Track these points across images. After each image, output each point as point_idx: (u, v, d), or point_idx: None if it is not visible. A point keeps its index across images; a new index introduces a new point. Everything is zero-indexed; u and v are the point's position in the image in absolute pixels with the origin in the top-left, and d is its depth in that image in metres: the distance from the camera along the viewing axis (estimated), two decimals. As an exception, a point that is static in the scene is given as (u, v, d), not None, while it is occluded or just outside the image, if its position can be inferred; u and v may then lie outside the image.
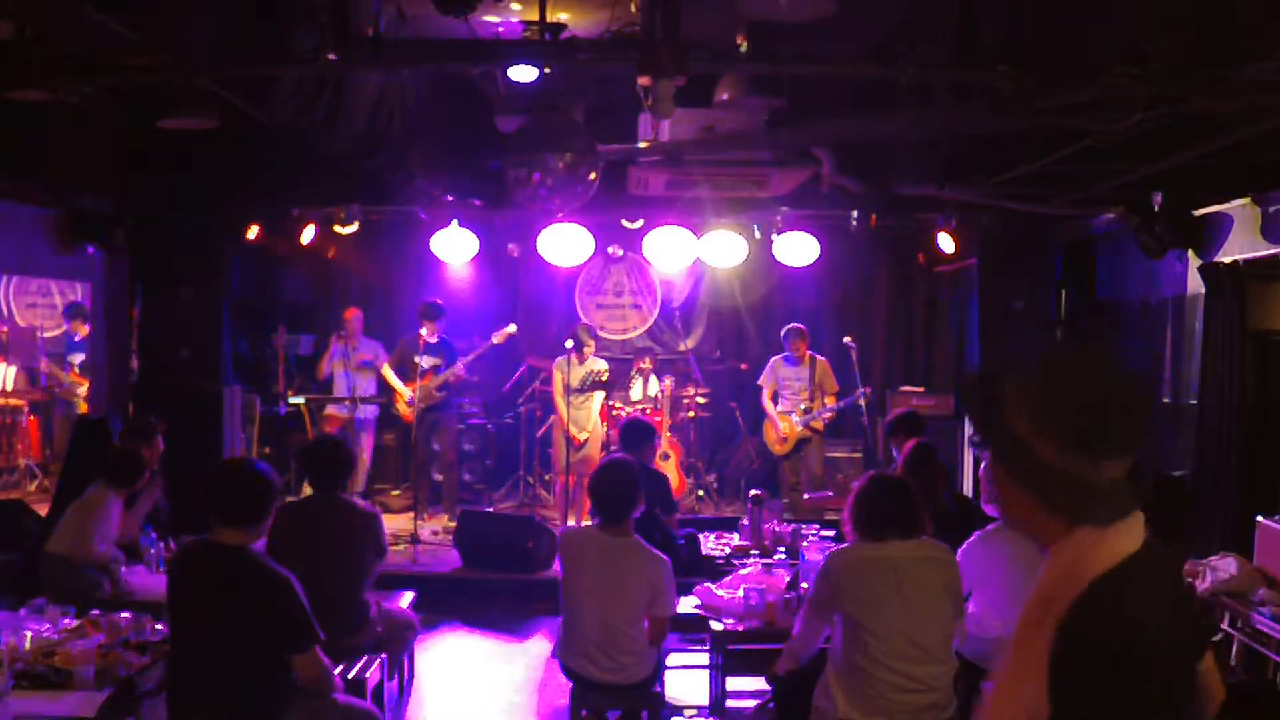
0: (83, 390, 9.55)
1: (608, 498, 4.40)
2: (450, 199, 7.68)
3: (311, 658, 3.40)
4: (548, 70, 4.87)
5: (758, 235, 8.45)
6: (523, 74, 4.67)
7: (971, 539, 4.49)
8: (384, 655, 4.88)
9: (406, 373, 8.76)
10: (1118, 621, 1.58)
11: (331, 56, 4.45)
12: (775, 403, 8.73)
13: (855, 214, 7.87)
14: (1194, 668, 1.77)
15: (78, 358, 9.81)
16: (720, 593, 5.04)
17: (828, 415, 8.59)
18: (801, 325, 8.71)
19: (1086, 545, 1.59)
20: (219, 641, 3.34)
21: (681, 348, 10.02)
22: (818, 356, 8.70)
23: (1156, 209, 6.43)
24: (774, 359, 8.80)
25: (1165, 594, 1.66)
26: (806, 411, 8.55)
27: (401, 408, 8.87)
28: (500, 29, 5.16)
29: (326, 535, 4.57)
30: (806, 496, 8.42)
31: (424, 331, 8.66)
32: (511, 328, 8.94)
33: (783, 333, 8.72)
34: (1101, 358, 1.62)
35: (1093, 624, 1.57)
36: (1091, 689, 1.56)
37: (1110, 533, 1.60)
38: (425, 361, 8.64)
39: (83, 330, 9.73)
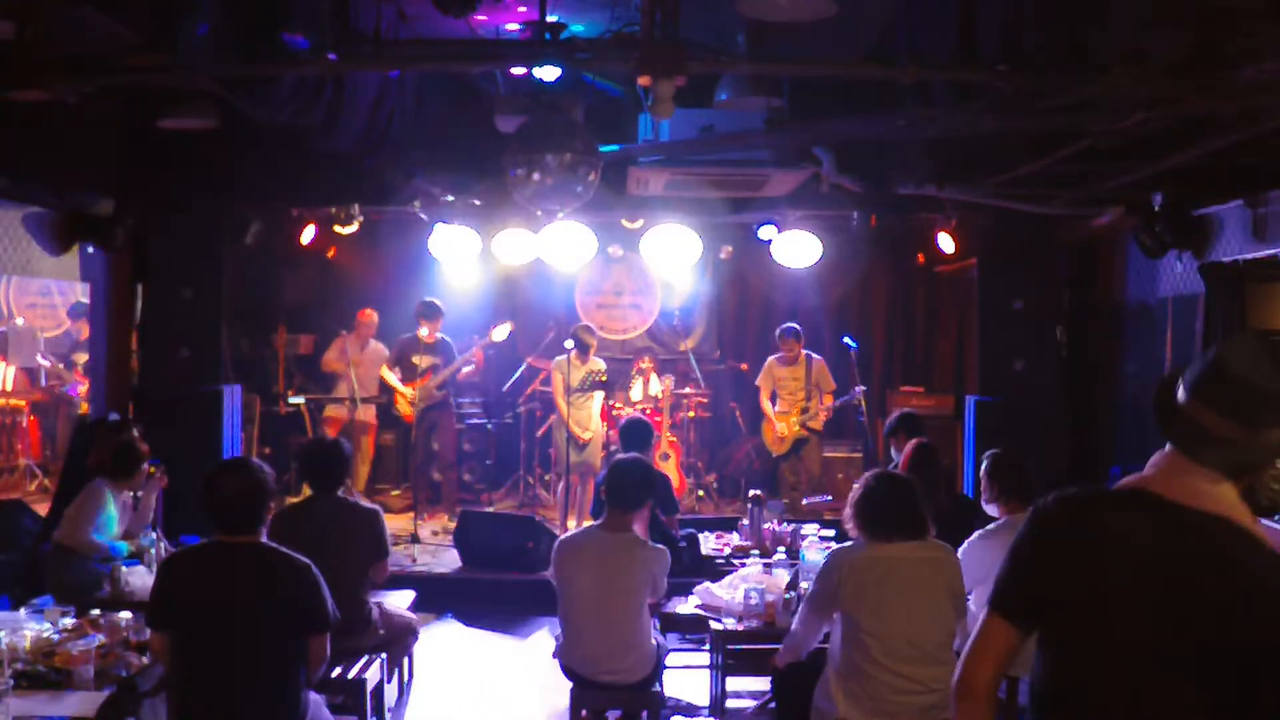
0: (83, 390, 9.56)
1: (624, 486, 4.43)
2: (450, 199, 7.67)
3: (325, 639, 3.51)
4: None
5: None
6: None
7: (972, 538, 4.49)
8: (384, 656, 4.88)
9: (405, 373, 8.76)
10: (1086, 531, 1.92)
11: (331, 56, 4.45)
12: (773, 403, 8.74)
13: (855, 214, 7.87)
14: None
15: (82, 357, 9.80)
16: (720, 593, 5.04)
17: (825, 415, 8.60)
18: (795, 325, 8.72)
19: (1162, 466, 1.93)
20: (242, 636, 3.36)
21: (681, 348, 10.02)
22: (813, 356, 8.71)
23: (1156, 209, 6.42)
24: (769, 360, 8.81)
25: (1165, 551, 1.86)
26: (804, 411, 8.56)
27: (402, 408, 8.87)
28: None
29: (326, 536, 4.57)
30: (805, 502, 8.42)
31: (423, 332, 8.66)
32: (508, 325, 8.92)
33: (776, 333, 8.73)
34: (1258, 347, 1.92)
35: (1052, 505, 1.98)
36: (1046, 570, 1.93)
37: (1193, 477, 1.88)
38: (424, 361, 8.63)
39: (87, 330, 9.74)
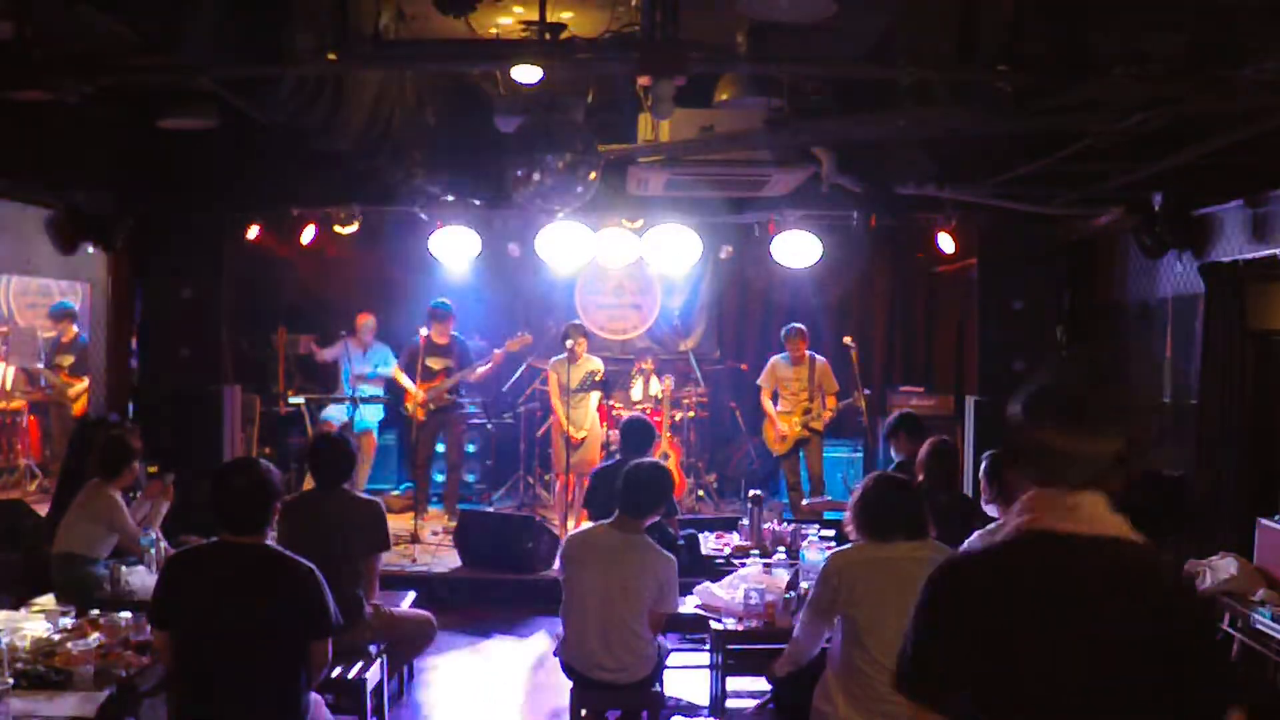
0: (72, 391, 9.55)
1: (638, 493, 4.41)
2: (450, 199, 7.67)
3: (326, 644, 3.50)
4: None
5: (756, 233, 8.48)
6: (526, 75, 4.67)
7: (972, 538, 4.48)
8: (384, 656, 4.88)
9: (415, 375, 8.74)
10: (965, 582, 1.92)
11: (332, 56, 4.45)
12: (775, 402, 8.74)
13: (855, 214, 7.87)
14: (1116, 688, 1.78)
15: (68, 360, 9.77)
16: (720, 593, 5.04)
17: (828, 415, 8.60)
18: (801, 325, 8.71)
19: (1030, 506, 1.88)
20: (243, 637, 3.35)
21: (681, 348, 10.01)
22: (817, 357, 8.70)
23: (1156, 209, 6.42)
24: (773, 359, 8.80)
25: (1066, 587, 1.80)
26: (806, 412, 8.56)
27: (412, 408, 8.85)
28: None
29: (326, 529, 4.57)
30: (805, 503, 8.42)
31: (435, 332, 8.65)
32: (527, 337, 8.88)
33: (782, 332, 8.73)
34: (1083, 361, 1.96)
35: (945, 572, 1.98)
36: (934, 629, 1.90)
37: (1060, 502, 1.84)
38: (438, 364, 8.63)
39: (70, 331, 9.72)
